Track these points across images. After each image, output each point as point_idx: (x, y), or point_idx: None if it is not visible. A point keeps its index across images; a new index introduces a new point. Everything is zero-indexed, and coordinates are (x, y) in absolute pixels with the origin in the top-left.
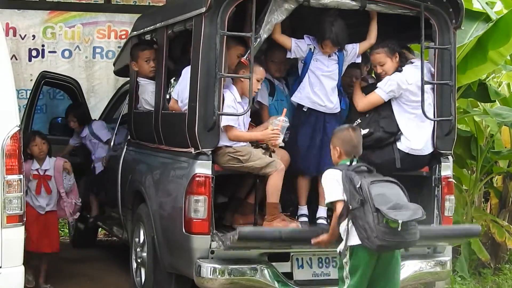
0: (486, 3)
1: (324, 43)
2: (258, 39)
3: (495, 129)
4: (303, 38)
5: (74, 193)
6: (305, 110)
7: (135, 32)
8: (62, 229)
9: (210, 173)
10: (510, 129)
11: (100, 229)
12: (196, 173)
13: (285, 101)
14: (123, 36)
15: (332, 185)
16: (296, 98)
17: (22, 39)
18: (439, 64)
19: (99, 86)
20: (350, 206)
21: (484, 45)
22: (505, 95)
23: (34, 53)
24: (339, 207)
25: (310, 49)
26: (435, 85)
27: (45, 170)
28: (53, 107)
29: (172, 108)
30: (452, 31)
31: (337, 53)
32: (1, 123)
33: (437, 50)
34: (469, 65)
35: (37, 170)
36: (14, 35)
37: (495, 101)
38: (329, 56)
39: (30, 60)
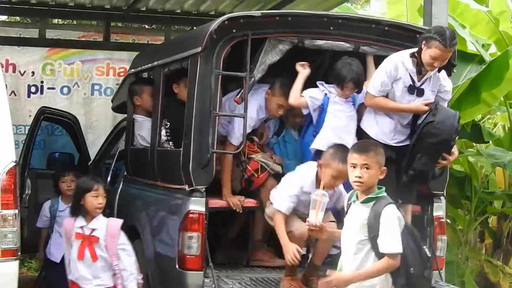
0: (482, 45)
1: (345, 85)
2: (252, 79)
3: (489, 170)
4: (317, 86)
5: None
6: None
7: (133, 70)
8: None
9: (204, 210)
10: (503, 170)
11: None
12: (190, 210)
13: (292, 144)
14: (121, 74)
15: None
16: (319, 145)
17: (22, 75)
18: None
19: (97, 123)
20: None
21: (477, 87)
22: (499, 136)
23: (33, 89)
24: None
25: (326, 94)
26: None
27: (93, 230)
28: (51, 142)
29: None
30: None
31: (351, 95)
32: None
33: None
34: (462, 106)
35: (81, 228)
36: (14, 71)
37: (489, 142)
38: (346, 98)
39: (29, 96)
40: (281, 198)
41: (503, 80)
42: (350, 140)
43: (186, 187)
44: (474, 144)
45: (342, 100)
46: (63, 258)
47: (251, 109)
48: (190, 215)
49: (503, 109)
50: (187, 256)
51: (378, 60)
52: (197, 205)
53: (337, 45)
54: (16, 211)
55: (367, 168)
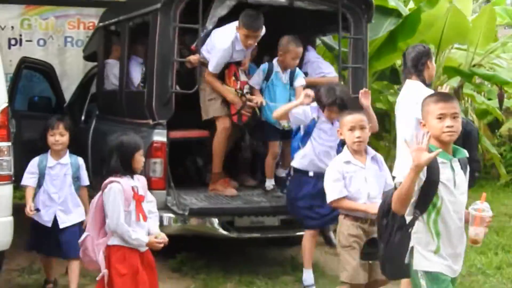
0: (403, 0)
1: (330, 109)
2: (205, 30)
3: None
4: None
5: None
6: (311, 175)
7: (101, 24)
8: None
9: (165, 140)
10: None
11: None
12: (154, 140)
13: (279, 88)
14: (90, 27)
15: None
16: (301, 165)
17: (2, 29)
18: (353, 51)
19: (70, 71)
20: None
21: (395, 37)
22: None
23: (13, 42)
24: None
25: (314, 118)
26: (351, 68)
27: (137, 188)
28: (30, 87)
29: None
30: (364, 24)
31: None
32: None
33: (352, 39)
34: (382, 54)
35: (133, 188)
36: None
37: None
38: (333, 124)
39: (9, 48)
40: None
41: (416, 31)
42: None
43: (150, 121)
44: (393, 85)
45: (329, 126)
46: (54, 223)
47: (226, 40)
48: (154, 145)
49: None
50: (153, 178)
51: (310, 14)
52: (159, 136)
53: (275, 1)
54: (10, 143)
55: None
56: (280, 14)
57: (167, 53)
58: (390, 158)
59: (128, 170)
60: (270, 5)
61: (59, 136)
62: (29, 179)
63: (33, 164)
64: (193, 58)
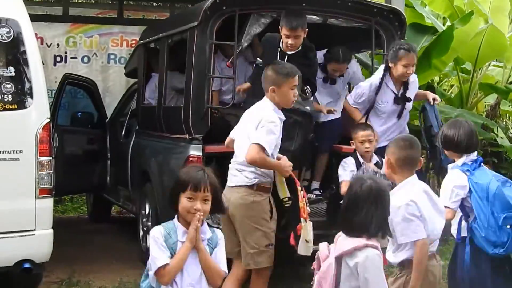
0: (437, 17)
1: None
2: (240, 47)
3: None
4: None
5: None
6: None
7: (141, 41)
8: (81, 208)
9: (201, 154)
10: None
11: (113, 207)
12: (190, 154)
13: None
14: (133, 45)
15: None
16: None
17: (48, 47)
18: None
19: (113, 87)
20: None
21: (429, 54)
22: (450, 96)
23: (58, 59)
24: None
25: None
26: None
27: None
28: (74, 104)
29: None
30: (397, 40)
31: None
32: (36, 116)
33: (385, 56)
34: (417, 71)
35: None
36: (42, 43)
37: (441, 100)
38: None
39: (55, 65)
40: None
41: (450, 49)
42: None
43: (187, 136)
44: None
45: None
46: None
47: None
48: (190, 159)
49: (455, 74)
50: None
51: (344, 31)
52: (195, 151)
53: (309, 18)
54: (51, 158)
55: None
56: (314, 31)
57: (203, 69)
58: (426, 174)
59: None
60: None
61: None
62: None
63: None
64: (243, 87)
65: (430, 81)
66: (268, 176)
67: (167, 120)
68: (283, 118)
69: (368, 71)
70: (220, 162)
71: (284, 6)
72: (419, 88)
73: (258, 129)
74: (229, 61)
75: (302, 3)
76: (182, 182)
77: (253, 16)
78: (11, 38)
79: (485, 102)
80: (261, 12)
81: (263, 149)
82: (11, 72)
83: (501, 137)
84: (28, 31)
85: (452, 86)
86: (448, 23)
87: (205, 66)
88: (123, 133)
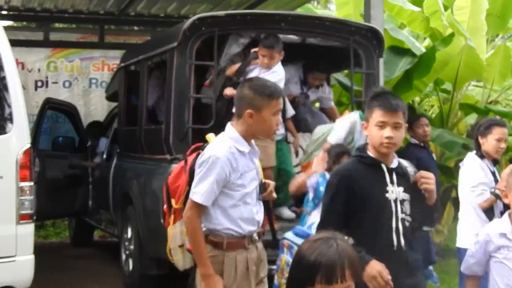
0: (417, 37)
1: None
2: (219, 67)
3: None
4: None
5: None
6: None
7: (122, 64)
8: (63, 233)
9: None
10: (433, 143)
11: (96, 231)
12: None
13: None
14: (114, 69)
15: None
16: None
17: (29, 72)
18: (366, 85)
19: (95, 111)
20: None
21: (410, 76)
22: (430, 116)
23: (39, 83)
24: None
25: None
26: (364, 101)
27: None
28: (56, 129)
29: None
30: (376, 59)
31: None
32: (16, 141)
33: (364, 74)
34: (398, 92)
35: None
36: (23, 68)
37: None
38: None
39: (36, 89)
40: None
41: (431, 70)
42: None
43: (168, 156)
44: None
45: None
46: None
47: None
48: None
49: (435, 94)
50: None
51: (324, 50)
52: None
53: (288, 38)
54: (32, 183)
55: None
56: (294, 51)
57: (183, 89)
58: None
59: None
60: (283, 42)
61: None
62: None
63: None
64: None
65: (411, 101)
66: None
67: (147, 141)
68: (246, 149)
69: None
70: None
71: (262, 26)
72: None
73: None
74: (208, 81)
75: (280, 22)
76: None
77: (231, 37)
78: None
79: (466, 122)
80: (240, 33)
81: (197, 206)
82: None
83: None
84: (7, 56)
85: (432, 106)
86: (427, 42)
87: (185, 86)
88: (104, 156)
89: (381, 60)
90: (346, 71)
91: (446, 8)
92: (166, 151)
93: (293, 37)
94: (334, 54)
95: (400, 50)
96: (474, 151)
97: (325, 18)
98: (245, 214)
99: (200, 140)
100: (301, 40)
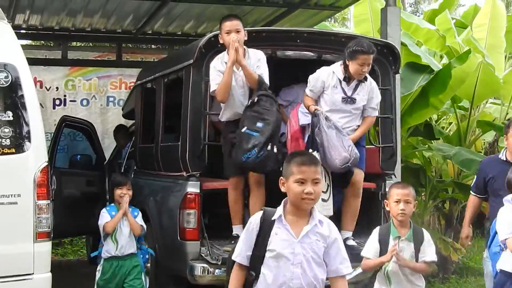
0: (434, 55)
1: None
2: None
3: (441, 162)
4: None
5: None
6: None
7: (138, 82)
8: (81, 251)
9: (199, 191)
10: (451, 161)
11: None
12: (188, 192)
13: None
14: (132, 87)
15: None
16: None
17: (48, 90)
18: (382, 101)
19: (112, 129)
20: None
21: (426, 93)
22: (448, 134)
23: (57, 102)
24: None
25: None
26: (380, 118)
27: None
28: (73, 147)
29: None
30: (392, 75)
31: None
32: (34, 159)
33: (380, 90)
34: (414, 109)
35: None
36: (41, 87)
37: (439, 138)
38: None
39: (54, 108)
40: None
41: (447, 87)
42: None
43: (184, 173)
44: (427, 141)
45: None
46: None
47: None
48: (188, 196)
49: (453, 111)
50: (186, 229)
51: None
52: (193, 188)
53: (304, 55)
54: (49, 201)
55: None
56: (309, 67)
57: (199, 106)
58: (426, 212)
59: None
60: (299, 58)
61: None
62: None
63: None
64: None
65: (428, 119)
66: None
67: (164, 158)
68: None
69: None
70: (218, 199)
71: (278, 43)
72: (417, 126)
73: None
74: None
75: (296, 39)
76: None
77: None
78: (9, 82)
79: (483, 140)
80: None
81: None
82: (9, 117)
83: None
84: (26, 75)
85: (450, 124)
86: (445, 60)
87: (201, 103)
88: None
89: (398, 77)
90: None
91: (465, 26)
92: (183, 168)
93: (309, 54)
94: None
95: (418, 66)
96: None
97: (340, 34)
98: None
99: (216, 157)
100: (316, 57)
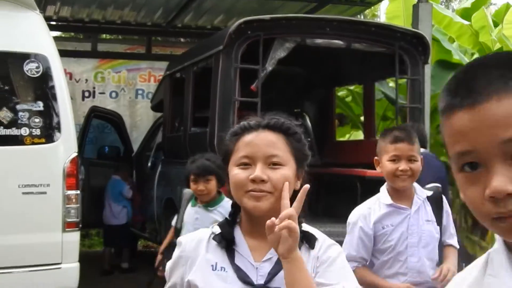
0: (465, 52)
1: None
2: (265, 71)
3: None
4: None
5: None
6: None
7: (168, 72)
8: None
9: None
10: None
11: (139, 241)
12: None
13: None
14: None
15: None
16: None
17: (77, 82)
18: (411, 91)
19: (140, 122)
20: None
21: None
22: None
23: (86, 94)
24: None
25: None
26: (408, 108)
27: None
28: (102, 138)
29: None
30: (421, 65)
31: None
32: (63, 149)
33: (409, 80)
34: None
35: None
36: (70, 79)
37: None
38: None
39: (83, 100)
40: None
41: None
42: None
43: None
44: None
45: None
46: None
47: None
48: None
49: None
50: None
51: (368, 57)
52: None
53: (333, 43)
54: (78, 191)
55: None
56: (338, 58)
57: (228, 93)
58: (453, 210)
59: None
60: (328, 47)
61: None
62: None
63: None
64: None
65: None
66: None
67: (192, 146)
68: None
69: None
70: None
71: (307, 31)
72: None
73: None
74: (254, 85)
75: (325, 27)
76: None
77: (277, 41)
78: (40, 73)
79: None
80: (285, 37)
81: None
82: (39, 107)
83: None
84: (56, 66)
85: None
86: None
87: (230, 90)
88: (149, 165)
89: (427, 67)
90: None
91: (496, 24)
92: None
93: (338, 42)
94: (378, 61)
95: (449, 64)
96: None
97: (370, 23)
98: None
99: None
100: (346, 46)
